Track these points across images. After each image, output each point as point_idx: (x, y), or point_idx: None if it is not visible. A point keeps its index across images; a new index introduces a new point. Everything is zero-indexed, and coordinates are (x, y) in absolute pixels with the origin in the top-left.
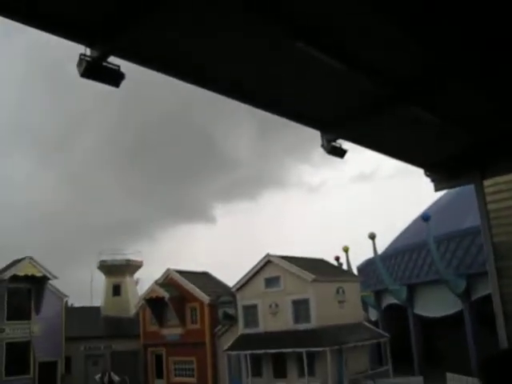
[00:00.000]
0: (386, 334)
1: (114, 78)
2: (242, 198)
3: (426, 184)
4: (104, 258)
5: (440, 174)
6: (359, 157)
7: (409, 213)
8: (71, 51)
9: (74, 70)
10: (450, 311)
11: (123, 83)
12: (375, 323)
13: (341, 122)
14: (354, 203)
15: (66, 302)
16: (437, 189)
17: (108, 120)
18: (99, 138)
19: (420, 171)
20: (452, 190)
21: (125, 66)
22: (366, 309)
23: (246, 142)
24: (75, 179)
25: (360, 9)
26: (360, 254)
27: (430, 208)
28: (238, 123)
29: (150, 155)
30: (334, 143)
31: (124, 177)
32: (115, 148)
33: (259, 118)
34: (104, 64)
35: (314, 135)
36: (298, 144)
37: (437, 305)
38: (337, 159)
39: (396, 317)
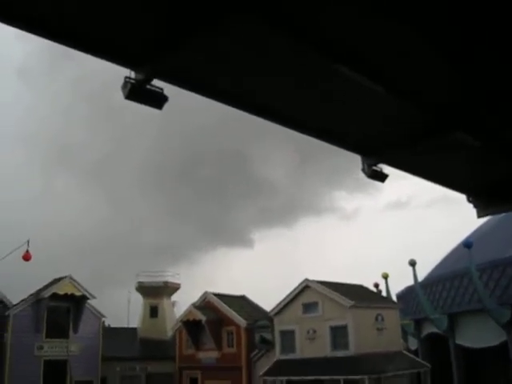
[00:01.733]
0: (426, 364)
1: (157, 100)
2: (279, 223)
3: (468, 211)
4: (142, 279)
5: (483, 200)
6: (396, 184)
7: (449, 240)
8: (117, 75)
9: (118, 95)
10: (494, 342)
11: (166, 105)
12: (415, 352)
13: (382, 147)
14: (391, 230)
15: (104, 322)
16: (479, 215)
17: (149, 143)
18: (140, 162)
19: (461, 197)
20: (494, 217)
21: (168, 87)
22: (405, 337)
23: (283, 167)
24: (117, 201)
25: (399, 33)
26: (400, 282)
27: (471, 235)
28: (277, 147)
29: (190, 178)
30: (374, 167)
31: (164, 199)
32: (156, 171)
33: (297, 142)
34: (148, 87)
35: (351, 161)
36: (334, 170)
37: (479, 335)
38: (373, 186)
39: (436, 346)
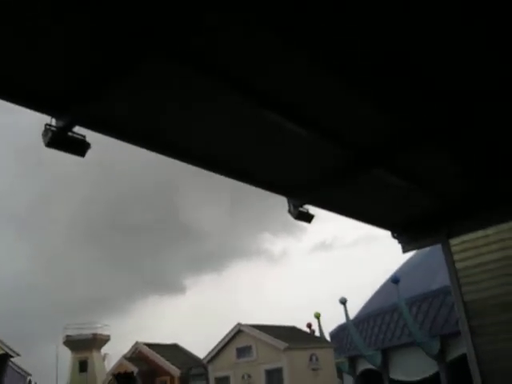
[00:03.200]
0: None
1: (79, 147)
2: (210, 268)
3: (393, 246)
4: (69, 332)
5: (407, 236)
6: (321, 224)
7: (377, 277)
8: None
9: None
10: (426, 374)
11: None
12: None
13: (307, 187)
14: (320, 271)
15: (30, 380)
16: (405, 250)
17: (80, 193)
18: (71, 212)
19: (386, 234)
20: (420, 251)
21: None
22: (340, 376)
23: (213, 212)
24: (46, 254)
25: (320, 77)
26: (332, 321)
27: (399, 270)
28: (207, 193)
29: (121, 226)
30: (301, 208)
31: (95, 250)
32: (87, 221)
33: (226, 186)
34: (70, 134)
35: (278, 203)
36: (261, 213)
37: (412, 368)
38: (300, 227)
39: (372, 382)
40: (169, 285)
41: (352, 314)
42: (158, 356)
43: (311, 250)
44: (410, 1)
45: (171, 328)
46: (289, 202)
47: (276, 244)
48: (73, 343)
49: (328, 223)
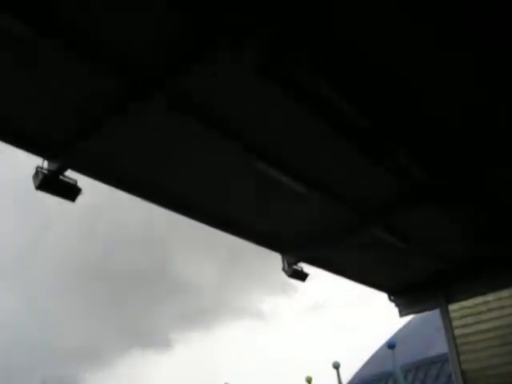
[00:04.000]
0: None
1: (70, 192)
2: (199, 324)
3: (390, 309)
4: None
5: (404, 300)
6: (312, 284)
7: (374, 340)
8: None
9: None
10: None
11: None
12: None
13: (303, 245)
14: (312, 332)
15: None
16: (402, 314)
17: (63, 238)
18: (54, 258)
19: (383, 296)
20: (419, 315)
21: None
22: None
23: (205, 266)
24: (31, 304)
25: (322, 133)
26: None
27: (395, 334)
28: (201, 248)
29: (108, 273)
30: (295, 266)
31: (79, 298)
32: (72, 268)
33: (223, 242)
34: (61, 178)
35: (273, 260)
36: (256, 271)
37: None
38: (294, 286)
39: None
40: (156, 338)
41: (346, 379)
42: None
43: (303, 309)
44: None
45: None
46: (283, 259)
47: (268, 303)
48: None
49: (321, 282)
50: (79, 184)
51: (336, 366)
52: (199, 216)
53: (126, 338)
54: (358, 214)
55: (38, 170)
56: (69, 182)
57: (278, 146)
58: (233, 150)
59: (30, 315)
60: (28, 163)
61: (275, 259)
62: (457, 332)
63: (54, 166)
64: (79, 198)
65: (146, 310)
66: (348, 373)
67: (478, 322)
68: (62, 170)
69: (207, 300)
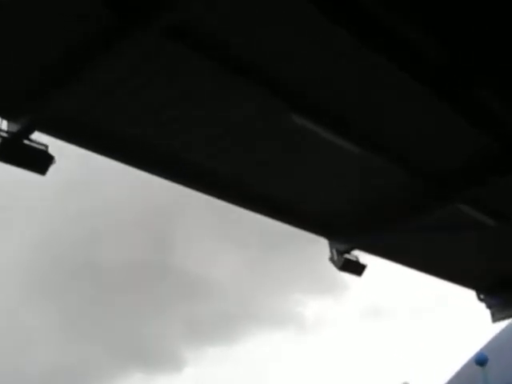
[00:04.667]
0: None
1: (39, 161)
2: (217, 339)
3: (479, 313)
4: None
5: (499, 299)
6: (371, 281)
7: (456, 355)
8: None
9: None
10: None
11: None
12: None
13: (358, 226)
14: (371, 345)
15: None
16: (495, 319)
17: (36, 229)
18: (21, 256)
19: (469, 295)
20: None
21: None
22: None
23: (224, 262)
24: None
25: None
26: None
27: (487, 347)
28: (217, 233)
29: (93, 275)
30: (347, 256)
31: (56, 307)
32: (44, 269)
33: (246, 227)
34: (26, 142)
35: (318, 250)
36: (292, 265)
37: None
38: (343, 286)
39: None
40: (161, 359)
41: None
42: None
43: (359, 315)
44: None
45: None
46: (331, 247)
47: (308, 308)
48: None
49: (383, 277)
50: (51, 150)
51: None
52: (215, 189)
53: (122, 357)
54: (432, 184)
55: None
56: (37, 148)
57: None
58: (269, 107)
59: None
60: None
61: (320, 248)
62: None
63: (16, 127)
64: (51, 170)
65: (147, 319)
66: None
67: None
68: (27, 131)
69: (228, 304)
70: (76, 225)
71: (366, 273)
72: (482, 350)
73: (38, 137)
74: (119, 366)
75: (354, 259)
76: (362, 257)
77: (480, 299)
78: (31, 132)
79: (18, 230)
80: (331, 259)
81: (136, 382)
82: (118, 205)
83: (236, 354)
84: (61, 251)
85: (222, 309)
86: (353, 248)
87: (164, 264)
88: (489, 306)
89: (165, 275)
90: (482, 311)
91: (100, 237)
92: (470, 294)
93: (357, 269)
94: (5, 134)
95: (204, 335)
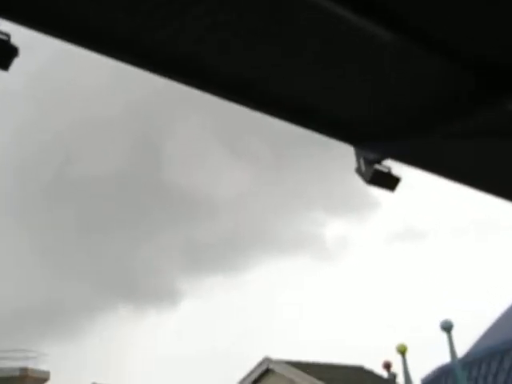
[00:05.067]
0: None
1: (0, 54)
2: (219, 266)
3: None
4: None
5: None
6: (402, 200)
7: (502, 290)
8: None
9: None
10: None
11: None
12: None
13: (387, 129)
14: (400, 275)
15: None
16: None
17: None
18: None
19: None
20: None
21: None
22: None
23: (226, 175)
24: None
25: None
26: (425, 359)
27: None
28: (214, 137)
29: (71, 195)
30: (378, 166)
31: (28, 233)
32: (14, 188)
33: (252, 130)
34: None
35: (339, 166)
36: (309, 178)
37: None
38: (370, 205)
39: None
40: (153, 290)
41: (461, 351)
42: None
43: (386, 240)
44: None
45: (149, 363)
46: (358, 156)
47: (329, 230)
48: None
49: (415, 198)
50: (14, 40)
51: (447, 328)
52: (222, 88)
53: (109, 289)
54: (483, 80)
55: None
56: None
57: None
58: None
59: None
60: None
61: (344, 159)
62: None
63: None
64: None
65: (138, 245)
66: (465, 341)
67: None
68: None
69: (233, 226)
70: (49, 131)
71: (400, 188)
72: None
73: None
74: (105, 301)
75: (386, 170)
76: (395, 169)
77: None
78: None
79: None
80: (358, 170)
81: (125, 316)
82: (96, 101)
83: (241, 284)
84: (32, 165)
85: (225, 232)
86: (384, 157)
87: (156, 178)
88: None
89: (157, 192)
90: None
91: (79, 143)
92: None
93: (389, 182)
94: None
95: (203, 263)
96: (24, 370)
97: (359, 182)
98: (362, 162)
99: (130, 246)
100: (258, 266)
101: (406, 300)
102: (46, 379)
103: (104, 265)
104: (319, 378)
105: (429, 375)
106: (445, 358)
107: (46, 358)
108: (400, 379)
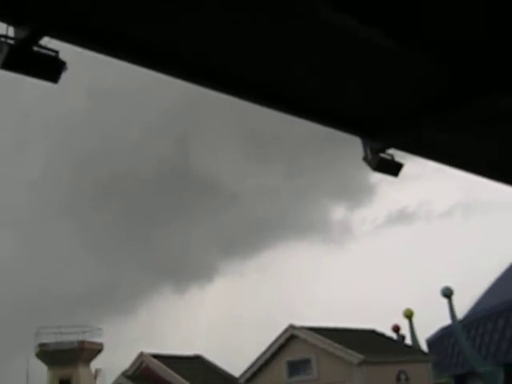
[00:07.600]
0: None
1: (50, 68)
2: (247, 250)
3: None
4: (45, 339)
5: None
6: (398, 186)
7: (497, 259)
8: None
9: None
10: None
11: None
12: None
13: (394, 121)
14: (402, 250)
15: None
16: None
17: (55, 136)
18: (43, 167)
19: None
20: None
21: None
22: None
23: (246, 167)
24: (13, 230)
25: None
26: (429, 322)
27: None
28: (232, 138)
29: (117, 196)
30: (383, 155)
31: (77, 227)
32: (67, 190)
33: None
34: (36, 49)
35: (338, 155)
36: (320, 168)
37: None
38: (370, 191)
39: None
40: (189, 271)
41: (460, 313)
42: (173, 373)
43: (386, 221)
44: None
45: (191, 333)
46: (365, 146)
47: (335, 214)
48: (50, 355)
49: (411, 183)
50: (62, 56)
51: (447, 294)
52: (237, 90)
53: (154, 273)
54: (470, 73)
55: (2, 41)
56: (47, 54)
57: None
58: None
59: (13, 245)
60: None
61: (351, 151)
62: None
63: (24, 33)
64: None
65: (177, 233)
66: (463, 305)
67: None
68: (35, 36)
69: (253, 215)
70: (96, 135)
71: (402, 174)
72: None
73: (48, 42)
74: (153, 281)
75: (390, 158)
76: (397, 157)
77: None
78: (40, 37)
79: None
80: (365, 159)
81: (168, 297)
82: (136, 111)
83: (265, 264)
84: (81, 164)
85: (244, 219)
86: (389, 146)
87: (195, 173)
88: None
89: (196, 186)
90: None
91: (122, 145)
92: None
93: (393, 168)
94: (12, 42)
95: (233, 246)
96: (81, 342)
97: (364, 173)
98: (368, 151)
99: (173, 234)
100: (278, 247)
101: (410, 272)
102: (101, 350)
103: (150, 251)
104: (338, 342)
105: (433, 336)
106: (445, 321)
107: (101, 331)
108: (408, 340)
